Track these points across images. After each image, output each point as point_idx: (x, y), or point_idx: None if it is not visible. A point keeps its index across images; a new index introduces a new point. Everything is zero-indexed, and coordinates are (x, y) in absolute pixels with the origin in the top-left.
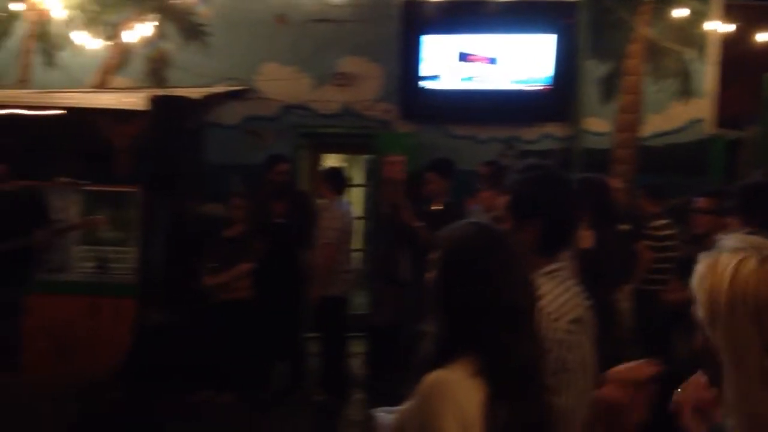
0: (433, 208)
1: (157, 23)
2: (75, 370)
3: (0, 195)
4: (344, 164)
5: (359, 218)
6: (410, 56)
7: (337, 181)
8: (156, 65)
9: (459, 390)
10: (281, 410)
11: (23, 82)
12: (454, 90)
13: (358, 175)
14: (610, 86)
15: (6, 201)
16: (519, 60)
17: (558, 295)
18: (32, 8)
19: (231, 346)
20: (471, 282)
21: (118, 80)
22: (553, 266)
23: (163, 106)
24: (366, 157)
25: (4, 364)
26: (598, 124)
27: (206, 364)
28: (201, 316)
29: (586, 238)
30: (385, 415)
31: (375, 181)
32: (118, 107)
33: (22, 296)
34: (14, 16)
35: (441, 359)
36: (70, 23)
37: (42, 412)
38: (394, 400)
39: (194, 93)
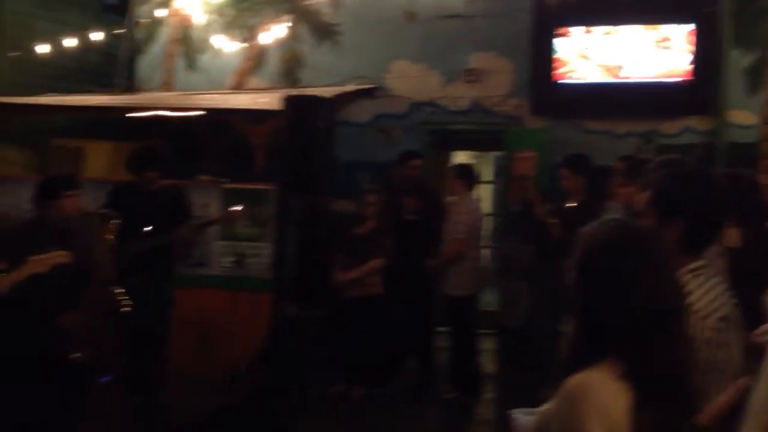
0: (567, 205)
1: (290, 25)
2: (215, 361)
3: (149, 195)
4: (473, 161)
5: (488, 215)
6: (542, 50)
7: (469, 177)
8: (289, 66)
9: (604, 393)
10: (411, 406)
11: (167, 86)
12: (589, 83)
13: (487, 172)
14: (757, 76)
15: (154, 200)
16: (657, 51)
17: (705, 292)
18: (175, 14)
19: (362, 341)
20: (611, 283)
21: (254, 81)
22: (697, 264)
23: (296, 105)
24: (496, 153)
25: (156, 355)
26: (744, 116)
27: (338, 357)
28: (333, 311)
29: (732, 236)
30: (522, 416)
31: (504, 177)
32: (253, 107)
33: (171, 290)
34: (159, 22)
35: (583, 361)
36: (209, 27)
37: (184, 402)
38: (525, 400)
39: (326, 92)
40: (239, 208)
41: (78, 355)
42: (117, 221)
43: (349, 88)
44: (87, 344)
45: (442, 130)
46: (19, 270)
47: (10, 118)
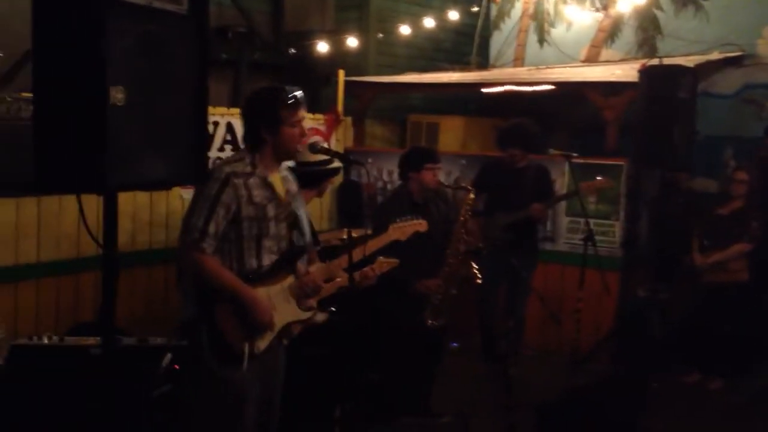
0: None
1: None
2: (561, 339)
3: (516, 171)
4: None
5: None
6: None
7: None
8: (647, 35)
9: None
10: None
11: (518, 61)
12: None
13: None
14: None
15: (520, 177)
16: None
17: None
18: None
19: (722, 330)
20: None
21: (608, 53)
22: None
23: (653, 76)
24: None
25: (512, 328)
26: None
27: (694, 346)
28: (690, 296)
29: None
30: None
31: None
32: (606, 80)
33: (533, 266)
34: None
35: None
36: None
37: (532, 377)
38: None
39: (687, 61)
40: (600, 178)
41: (434, 321)
42: (473, 195)
43: (714, 56)
44: (442, 310)
45: None
46: (381, 237)
47: (375, 96)
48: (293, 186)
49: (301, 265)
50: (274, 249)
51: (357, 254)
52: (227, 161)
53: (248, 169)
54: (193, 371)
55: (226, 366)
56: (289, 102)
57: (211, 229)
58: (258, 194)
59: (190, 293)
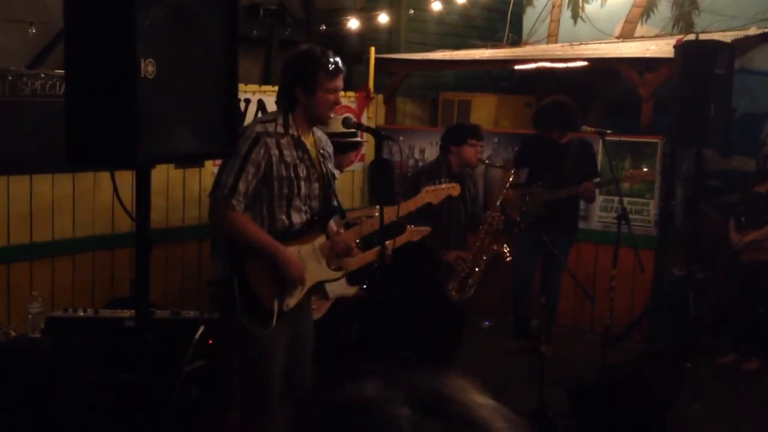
0: None
1: None
2: (595, 318)
3: (558, 147)
4: None
5: None
6: None
7: None
8: (683, 10)
9: None
10: None
11: (552, 38)
12: None
13: None
14: None
15: (562, 153)
16: None
17: None
18: None
19: (756, 310)
20: None
21: (643, 28)
22: None
23: (689, 52)
24: None
25: (546, 305)
26: None
27: (730, 326)
28: (725, 275)
29: None
30: None
31: None
32: (640, 56)
33: (570, 244)
34: None
35: None
36: None
37: (565, 355)
38: None
39: (724, 37)
40: (646, 169)
41: (458, 294)
42: (512, 176)
43: (752, 31)
44: (468, 285)
45: None
46: (414, 199)
47: (407, 74)
48: (328, 148)
49: (332, 225)
50: (304, 209)
51: (389, 215)
52: (259, 120)
53: (281, 129)
54: (225, 329)
55: (256, 322)
56: (329, 68)
57: (241, 186)
58: (289, 154)
59: (221, 251)
